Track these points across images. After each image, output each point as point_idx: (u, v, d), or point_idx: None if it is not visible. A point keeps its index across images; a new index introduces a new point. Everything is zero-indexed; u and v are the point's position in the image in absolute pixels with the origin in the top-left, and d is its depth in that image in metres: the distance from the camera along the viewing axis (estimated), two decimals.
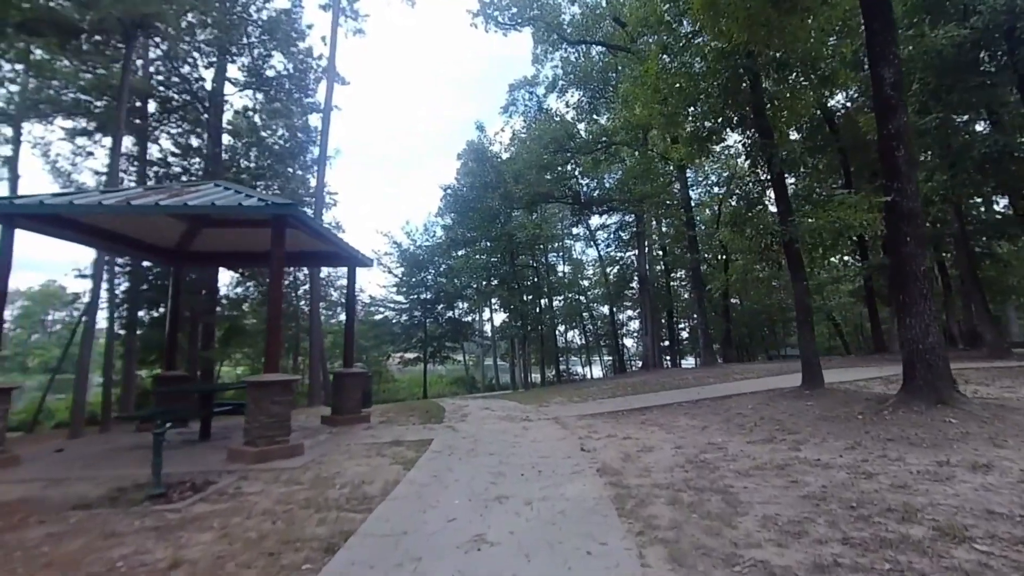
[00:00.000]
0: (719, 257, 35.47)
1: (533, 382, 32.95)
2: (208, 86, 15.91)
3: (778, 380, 11.63)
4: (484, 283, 28.56)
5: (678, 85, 9.99)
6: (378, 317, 28.05)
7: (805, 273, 9.17)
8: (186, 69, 14.87)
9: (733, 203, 13.62)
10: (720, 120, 9.44)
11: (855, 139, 18.65)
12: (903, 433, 5.80)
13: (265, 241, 6.23)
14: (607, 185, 27.82)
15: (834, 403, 7.64)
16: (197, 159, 16.53)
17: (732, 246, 12.46)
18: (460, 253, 27.16)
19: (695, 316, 43.86)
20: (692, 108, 9.96)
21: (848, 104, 19.12)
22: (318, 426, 8.31)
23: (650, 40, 11.69)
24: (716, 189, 33.45)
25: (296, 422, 9.33)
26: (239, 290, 19.11)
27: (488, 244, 25.75)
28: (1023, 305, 20.86)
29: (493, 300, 33.59)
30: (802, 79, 8.99)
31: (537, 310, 30.04)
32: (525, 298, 28.12)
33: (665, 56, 9.97)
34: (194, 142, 17.10)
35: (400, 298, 27.14)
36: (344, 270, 11.56)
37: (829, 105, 18.37)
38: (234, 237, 8.28)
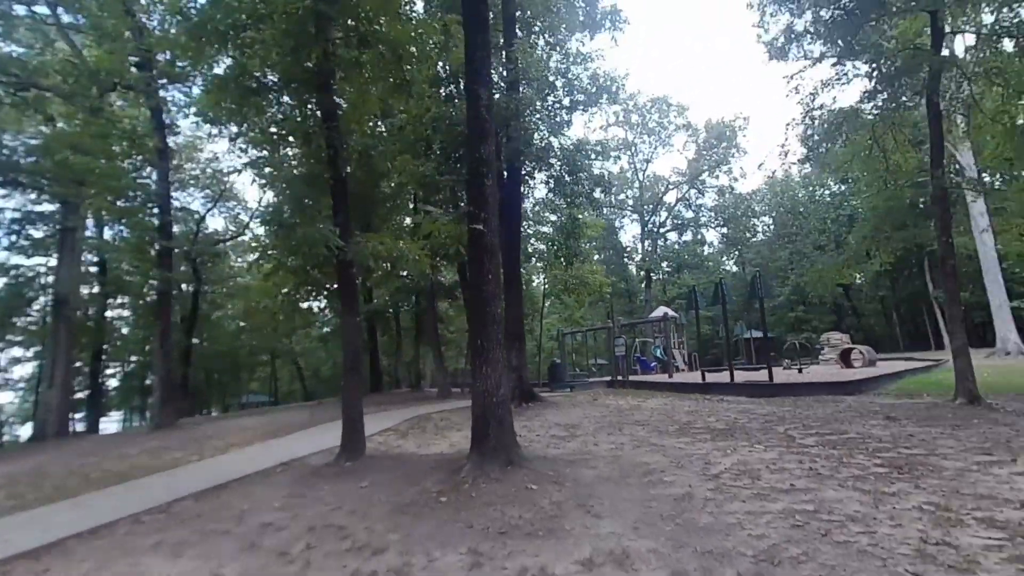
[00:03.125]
0: (183, 287, 29.04)
1: None
2: None
3: (288, 445, 8.82)
4: None
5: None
6: None
7: (360, 307, 7.23)
8: None
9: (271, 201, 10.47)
10: (278, 76, 6.45)
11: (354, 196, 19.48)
12: (505, 518, 4.48)
13: None
14: (18, 146, 17.30)
15: (394, 479, 5.75)
16: None
17: (275, 259, 9.15)
18: None
19: (138, 358, 34.06)
20: (239, 41, 6.48)
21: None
22: None
23: None
24: (200, 206, 27.88)
25: None
26: None
27: None
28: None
29: None
30: (379, 71, 7.46)
31: None
32: None
33: None
34: None
35: None
36: None
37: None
38: None
